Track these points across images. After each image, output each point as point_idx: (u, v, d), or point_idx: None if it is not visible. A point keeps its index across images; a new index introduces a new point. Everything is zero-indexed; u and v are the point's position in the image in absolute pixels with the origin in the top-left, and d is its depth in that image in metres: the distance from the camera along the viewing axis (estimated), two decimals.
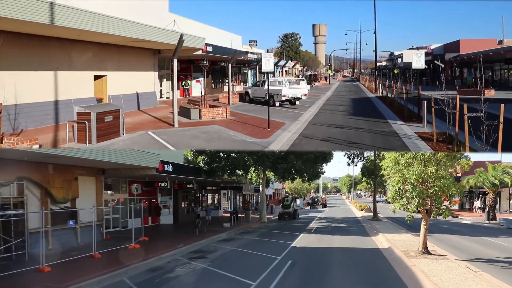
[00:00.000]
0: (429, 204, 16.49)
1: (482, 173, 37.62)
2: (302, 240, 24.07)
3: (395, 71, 62.29)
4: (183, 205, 38.03)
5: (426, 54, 77.41)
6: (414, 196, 15.51)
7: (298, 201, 72.66)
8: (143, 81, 30.83)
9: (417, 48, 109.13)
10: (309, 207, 71.92)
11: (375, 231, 27.20)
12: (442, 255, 17.05)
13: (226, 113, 25.83)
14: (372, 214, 43.39)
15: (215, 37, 41.57)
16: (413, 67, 22.85)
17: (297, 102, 31.91)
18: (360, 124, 23.79)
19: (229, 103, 32.62)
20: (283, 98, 30.56)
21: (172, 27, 29.17)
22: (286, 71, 73.73)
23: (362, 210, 52.89)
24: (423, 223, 17.09)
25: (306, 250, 20.45)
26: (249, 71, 58.89)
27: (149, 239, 24.37)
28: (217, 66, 41.66)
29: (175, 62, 23.13)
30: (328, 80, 77.81)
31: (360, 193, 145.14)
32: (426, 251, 17.08)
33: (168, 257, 19.26)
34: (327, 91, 53.14)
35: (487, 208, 37.91)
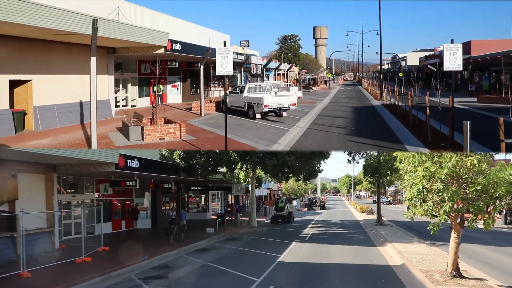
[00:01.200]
0: (465, 210, 11.46)
1: (498, 172, 32.44)
2: (293, 252, 19.05)
3: (400, 74, 57.01)
4: (165, 208, 33.14)
5: (434, 57, 71.92)
6: (446, 199, 10.50)
7: (294, 203, 67.38)
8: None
9: (420, 50, 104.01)
10: (306, 209, 66.57)
11: (381, 239, 22.14)
12: (480, 279, 12.03)
13: (180, 132, 19.12)
14: (375, 217, 38.33)
15: (193, 35, 35.67)
16: (444, 68, 15.35)
17: (285, 114, 24.95)
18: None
19: (201, 114, 26.48)
20: (265, 109, 23.52)
21: (115, 16, 22.69)
22: (283, 74, 67.95)
23: (363, 212, 47.69)
24: (453, 235, 12.07)
25: (295, 268, 15.42)
26: (240, 74, 52.12)
27: (110, 249, 19.80)
28: (194, 68, 34.80)
29: (92, 61, 16.21)
30: (327, 84, 70.99)
31: (359, 194, 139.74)
32: (457, 273, 12.06)
33: (120, 275, 14.71)
34: (325, 97, 46.38)
35: (504, 211, 32.80)
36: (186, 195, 38.20)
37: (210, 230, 27.29)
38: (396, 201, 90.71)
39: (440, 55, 68.93)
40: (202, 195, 40.17)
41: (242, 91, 26.09)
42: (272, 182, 56.50)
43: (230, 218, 32.68)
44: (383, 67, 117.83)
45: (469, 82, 52.07)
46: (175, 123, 19.56)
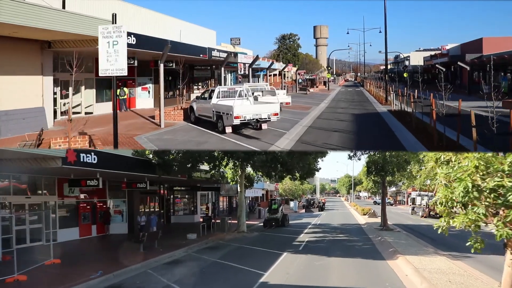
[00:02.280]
0: None
1: None
2: (282, 268, 14.96)
3: (405, 75, 52.68)
4: (144, 210, 29.12)
5: (441, 56, 67.15)
6: None
7: (292, 204, 63.15)
8: (18, 91, 18.42)
9: (424, 50, 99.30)
10: (304, 211, 62.18)
11: (390, 250, 18.02)
12: None
13: None
14: (377, 220, 34.31)
15: (169, 30, 30.94)
16: None
17: (265, 126, 19.23)
18: None
19: (160, 125, 20.70)
20: (236, 121, 17.81)
21: None
22: (279, 74, 62.45)
23: (365, 214, 43.41)
24: (511, 256, 8.01)
25: None
26: (229, 74, 44.42)
27: (61, 262, 16.06)
28: (165, 67, 26.21)
29: None
30: (327, 85, 64.77)
31: (359, 195, 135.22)
32: None
33: None
34: (323, 100, 40.07)
35: None
36: (171, 196, 34.18)
37: (192, 236, 23.31)
38: (397, 202, 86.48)
39: (447, 54, 64.41)
40: (190, 196, 36.11)
41: (211, 97, 20.52)
42: (267, 182, 52.35)
43: (217, 221, 28.70)
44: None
45: (483, 83, 46.68)
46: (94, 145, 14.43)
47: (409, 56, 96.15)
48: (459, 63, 44.68)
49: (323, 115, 26.99)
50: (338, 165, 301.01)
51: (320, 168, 29.54)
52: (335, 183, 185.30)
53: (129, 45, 21.04)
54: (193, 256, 18.47)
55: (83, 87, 25.17)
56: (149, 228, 21.61)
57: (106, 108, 26.33)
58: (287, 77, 73.54)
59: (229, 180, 26.81)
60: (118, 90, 26.94)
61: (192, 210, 35.57)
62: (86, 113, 25.21)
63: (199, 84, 36.81)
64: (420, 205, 44.05)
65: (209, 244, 22.15)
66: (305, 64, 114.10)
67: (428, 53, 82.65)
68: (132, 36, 21.24)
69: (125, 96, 27.54)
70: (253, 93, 24.22)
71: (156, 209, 30.91)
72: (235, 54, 36.02)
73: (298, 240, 23.34)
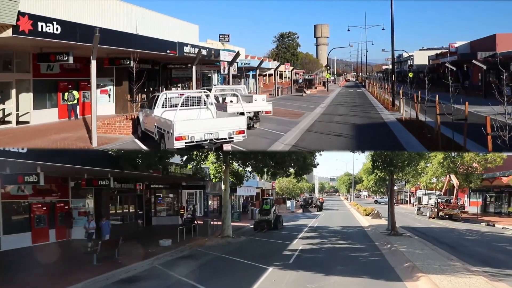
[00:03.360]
0: None
1: None
2: None
3: (410, 74, 48.32)
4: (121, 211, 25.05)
5: (451, 54, 62.45)
6: None
7: (288, 203, 58.83)
8: None
9: (428, 49, 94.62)
10: (301, 211, 57.73)
11: (405, 264, 13.73)
12: None
13: None
14: (382, 222, 30.15)
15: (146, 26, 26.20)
16: None
17: (228, 147, 14.43)
18: None
19: (91, 142, 15.59)
20: (180, 144, 12.72)
21: None
22: (280, 74, 57.19)
23: (367, 215, 38.98)
24: None
25: None
26: (214, 75, 38.58)
27: None
28: (120, 65, 22.91)
29: None
30: (326, 85, 59.63)
31: (359, 194, 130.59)
32: None
33: None
34: (320, 104, 34.99)
35: None
36: (152, 196, 30.01)
37: (166, 242, 19.24)
38: (399, 201, 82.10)
39: (456, 52, 59.85)
40: (174, 196, 31.93)
41: (155, 105, 15.41)
42: (262, 180, 48.12)
43: (200, 222, 24.59)
44: (387, 67, 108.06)
45: (500, 84, 41.56)
46: None
47: (412, 55, 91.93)
48: (473, 61, 40.23)
49: (315, 126, 21.84)
50: (337, 163, 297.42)
51: (317, 164, 25.40)
52: (335, 181, 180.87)
53: (51, 35, 15.44)
54: (157, 270, 14.40)
55: (13, 91, 19.87)
56: (100, 236, 17.39)
57: (48, 116, 21.39)
58: (284, 77, 69.19)
59: (212, 177, 22.62)
60: (66, 94, 22.03)
61: (176, 211, 31.37)
62: (19, 122, 20.16)
63: (179, 86, 31.94)
64: (427, 204, 39.72)
65: (184, 253, 18.09)
66: (305, 63, 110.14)
67: (433, 52, 78.27)
68: (54, 23, 15.41)
69: (75, 101, 22.42)
70: (224, 99, 19.29)
71: (131, 210, 26.78)
72: (218, 52, 30.99)
73: (290, 248, 19.00)
